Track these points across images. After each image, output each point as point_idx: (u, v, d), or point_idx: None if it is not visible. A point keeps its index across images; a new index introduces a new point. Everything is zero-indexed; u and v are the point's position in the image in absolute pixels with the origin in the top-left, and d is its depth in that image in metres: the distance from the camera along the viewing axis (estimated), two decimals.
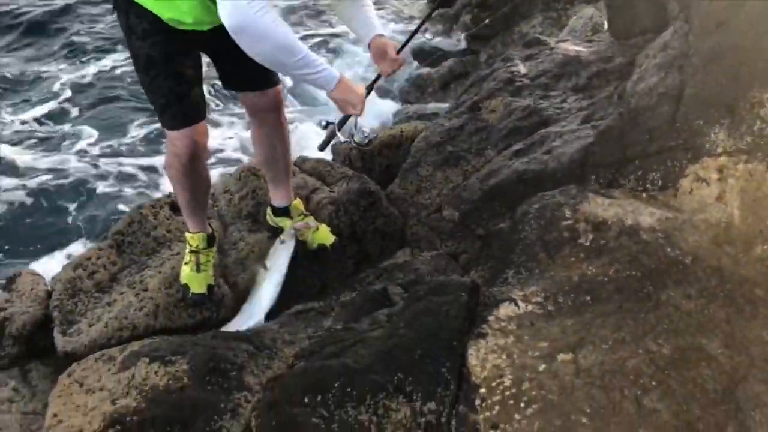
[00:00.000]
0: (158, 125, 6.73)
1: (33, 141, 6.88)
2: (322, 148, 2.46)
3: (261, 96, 2.63)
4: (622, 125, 2.68)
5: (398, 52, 2.34)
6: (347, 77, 2.30)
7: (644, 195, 2.48)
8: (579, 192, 2.46)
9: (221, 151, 6.29)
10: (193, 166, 2.50)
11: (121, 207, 5.82)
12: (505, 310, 2.13)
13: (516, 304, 2.14)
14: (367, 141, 2.40)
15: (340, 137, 2.36)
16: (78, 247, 5.30)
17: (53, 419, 2.12)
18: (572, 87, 3.41)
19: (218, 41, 2.25)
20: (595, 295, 2.13)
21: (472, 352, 2.02)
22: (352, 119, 2.36)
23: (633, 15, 3.48)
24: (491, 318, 2.12)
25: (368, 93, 2.36)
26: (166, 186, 5.88)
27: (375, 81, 2.48)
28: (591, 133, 2.85)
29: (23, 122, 7.22)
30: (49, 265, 4.89)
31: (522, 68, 3.59)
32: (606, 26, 4.19)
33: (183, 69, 2.38)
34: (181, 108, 2.40)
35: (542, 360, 1.96)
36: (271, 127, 2.73)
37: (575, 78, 3.45)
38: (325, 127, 2.38)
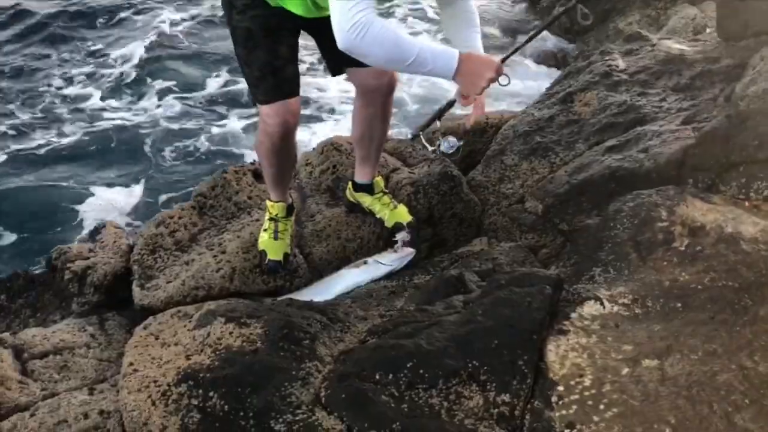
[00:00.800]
0: (233, 87, 6.95)
1: (118, 93, 7.18)
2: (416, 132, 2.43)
3: (376, 78, 2.53)
4: (729, 128, 2.54)
5: (503, 60, 2.18)
6: (470, 51, 2.10)
7: (746, 203, 2.34)
8: (677, 194, 2.34)
9: (314, 118, 6.43)
10: (282, 144, 2.49)
11: (193, 162, 6.10)
12: (590, 308, 2.05)
13: (601, 304, 2.05)
14: (453, 150, 2.39)
15: (428, 147, 2.35)
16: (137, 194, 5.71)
17: (129, 368, 2.16)
18: (673, 86, 3.25)
19: (319, 23, 2.24)
20: (686, 303, 2.03)
21: (551, 348, 1.95)
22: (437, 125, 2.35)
23: (747, 16, 3.28)
24: (574, 315, 2.04)
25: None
26: (231, 141, 6.13)
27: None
28: (692, 135, 2.71)
29: (111, 72, 7.53)
30: (118, 200, 5.49)
31: (621, 63, 3.45)
32: (713, 27, 3.99)
33: (279, 46, 2.37)
34: (275, 81, 2.39)
35: (625, 363, 1.88)
36: (377, 108, 2.66)
37: (677, 77, 3.29)
38: (412, 140, 2.36)
